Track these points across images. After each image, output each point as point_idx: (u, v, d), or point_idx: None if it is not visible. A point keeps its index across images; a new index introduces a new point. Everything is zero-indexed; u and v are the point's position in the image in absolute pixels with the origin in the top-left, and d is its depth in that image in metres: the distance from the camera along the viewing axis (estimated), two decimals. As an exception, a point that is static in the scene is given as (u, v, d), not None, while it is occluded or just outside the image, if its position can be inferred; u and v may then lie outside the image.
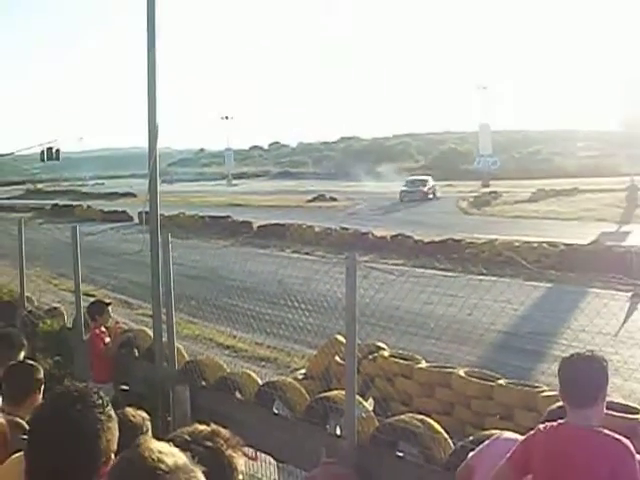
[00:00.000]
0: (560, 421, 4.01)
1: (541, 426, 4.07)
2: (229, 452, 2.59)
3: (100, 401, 2.48)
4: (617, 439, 3.83)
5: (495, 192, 59.73)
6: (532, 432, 4.09)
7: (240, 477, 2.67)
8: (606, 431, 3.87)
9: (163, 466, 1.93)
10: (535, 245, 27.78)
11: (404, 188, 61.60)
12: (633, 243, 28.30)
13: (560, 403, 4.57)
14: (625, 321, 15.35)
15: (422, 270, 22.17)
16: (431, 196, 61.44)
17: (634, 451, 3.83)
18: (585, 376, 4.01)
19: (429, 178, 65.33)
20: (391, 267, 23.81)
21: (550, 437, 3.97)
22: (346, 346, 6.57)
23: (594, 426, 3.91)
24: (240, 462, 2.64)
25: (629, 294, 19.40)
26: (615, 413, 7.99)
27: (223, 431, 2.69)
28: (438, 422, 6.88)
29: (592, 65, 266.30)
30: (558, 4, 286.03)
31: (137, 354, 10.73)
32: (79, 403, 2.43)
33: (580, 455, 3.83)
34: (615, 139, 69.35)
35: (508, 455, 4.12)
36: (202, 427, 2.70)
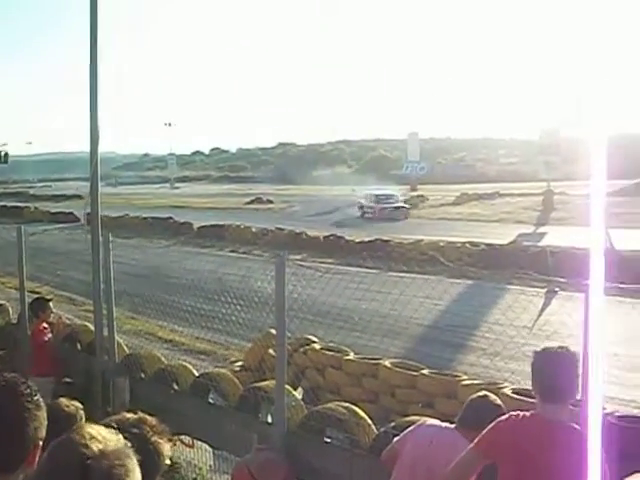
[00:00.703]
0: (532, 412, 3.85)
1: (513, 414, 3.90)
2: (154, 438, 2.56)
3: (28, 390, 2.43)
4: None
5: (422, 196, 60.34)
6: (503, 418, 3.92)
7: (167, 462, 2.64)
8: (575, 426, 3.71)
9: (88, 451, 1.89)
10: (458, 245, 28.12)
11: (384, 205, 49.23)
12: (548, 243, 28.81)
13: (483, 393, 4.60)
14: (540, 315, 15.60)
15: (346, 268, 22.36)
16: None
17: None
18: (560, 372, 3.80)
19: (395, 192, 54.96)
20: (320, 265, 23.92)
21: (521, 427, 3.82)
22: (276, 338, 6.57)
23: (564, 420, 3.77)
24: (166, 448, 2.61)
25: (544, 290, 19.78)
26: (524, 398, 8.13)
27: (149, 419, 2.66)
28: (364, 410, 6.90)
29: (514, 77, 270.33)
30: (484, 15, 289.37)
31: (79, 348, 10.58)
32: (6, 392, 2.38)
33: (546, 448, 3.70)
34: (533, 147, 70.54)
35: (475, 441, 3.94)
36: (129, 415, 2.68)
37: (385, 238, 30.18)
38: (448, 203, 54.98)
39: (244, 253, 30.75)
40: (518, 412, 3.92)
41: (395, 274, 16.52)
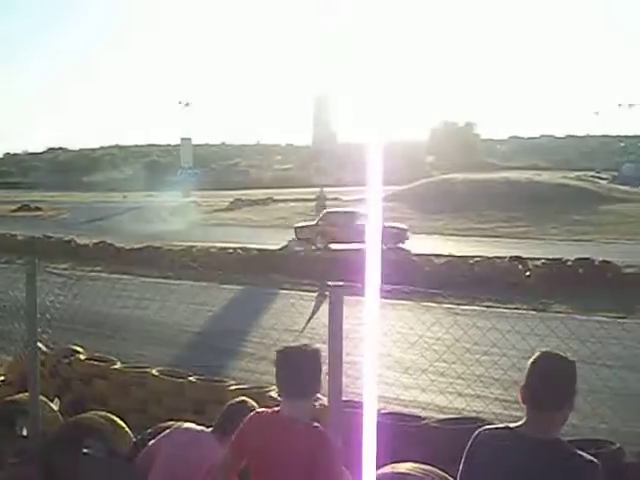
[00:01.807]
0: (275, 409, 3.88)
1: (259, 410, 4.00)
2: None
3: None
4: (318, 430, 3.74)
5: (195, 202, 60.42)
6: (249, 415, 3.96)
7: None
8: (309, 422, 3.77)
9: None
10: (230, 251, 28.27)
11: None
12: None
13: (241, 398, 4.70)
14: (311, 318, 15.99)
15: (96, 274, 22.10)
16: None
17: (333, 441, 3.82)
18: (297, 370, 3.81)
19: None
20: (74, 272, 23.35)
21: (259, 424, 3.87)
22: (27, 348, 6.41)
23: (302, 417, 3.78)
24: None
25: (315, 294, 20.28)
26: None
27: None
28: (127, 420, 6.86)
29: (290, 84, 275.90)
30: (253, 28, 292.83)
31: None
32: None
33: (284, 445, 3.73)
34: (307, 153, 72.83)
35: (230, 441, 4.01)
36: None
37: (156, 245, 29.97)
38: (221, 209, 55.37)
39: (7, 262, 29.49)
40: (263, 409, 4.01)
41: (164, 281, 16.37)
